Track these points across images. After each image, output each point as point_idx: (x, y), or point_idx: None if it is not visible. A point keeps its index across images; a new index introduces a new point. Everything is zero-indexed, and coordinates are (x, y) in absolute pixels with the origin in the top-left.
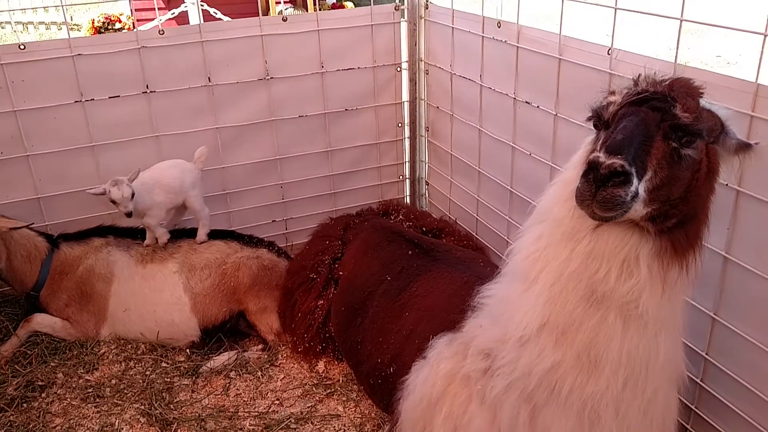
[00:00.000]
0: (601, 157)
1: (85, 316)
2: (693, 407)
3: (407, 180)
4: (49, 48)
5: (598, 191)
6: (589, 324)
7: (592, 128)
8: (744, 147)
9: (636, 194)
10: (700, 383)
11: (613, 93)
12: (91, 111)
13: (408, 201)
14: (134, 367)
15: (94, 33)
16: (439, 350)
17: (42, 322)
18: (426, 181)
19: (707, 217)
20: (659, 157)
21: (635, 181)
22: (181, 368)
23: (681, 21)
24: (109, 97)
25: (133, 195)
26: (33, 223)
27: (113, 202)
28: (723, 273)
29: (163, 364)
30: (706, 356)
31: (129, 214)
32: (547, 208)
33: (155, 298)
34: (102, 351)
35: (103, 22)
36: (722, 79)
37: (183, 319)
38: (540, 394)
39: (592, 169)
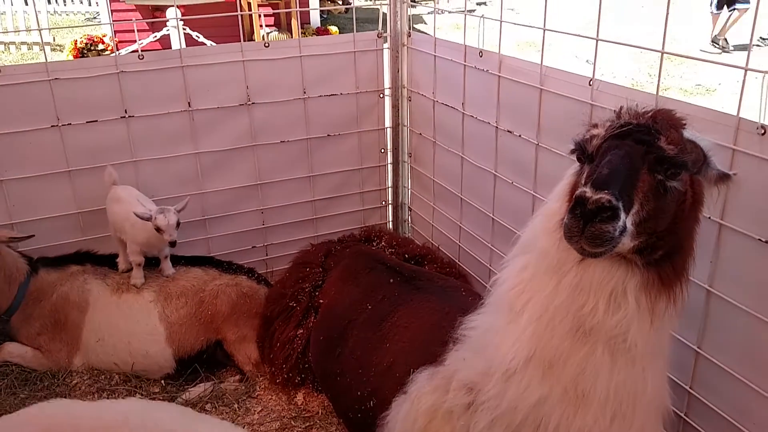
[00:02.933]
0: (588, 192)
1: (57, 345)
2: None
3: (390, 206)
4: (25, 72)
5: (586, 227)
6: (576, 357)
7: (575, 159)
8: (724, 177)
9: (624, 229)
10: (684, 417)
11: (595, 126)
12: (67, 136)
13: (391, 227)
14: (108, 398)
15: (77, 54)
16: (420, 385)
17: (12, 351)
18: (409, 207)
19: (693, 248)
20: (645, 190)
21: (622, 215)
22: (156, 400)
23: (662, 54)
24: (87, 122)
25: (178, 224)
26: (33, 235)
27: (158, 229)
28: (706, 306)
29: (138, 396)
30: (690, 390)
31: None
32: (532, 240)
33: (130, 328)
34: (74, 382)
35: (86, 44)
36: (703, 111)
37: (158, 351)
38: (526, 429)
39: (579, 204)
